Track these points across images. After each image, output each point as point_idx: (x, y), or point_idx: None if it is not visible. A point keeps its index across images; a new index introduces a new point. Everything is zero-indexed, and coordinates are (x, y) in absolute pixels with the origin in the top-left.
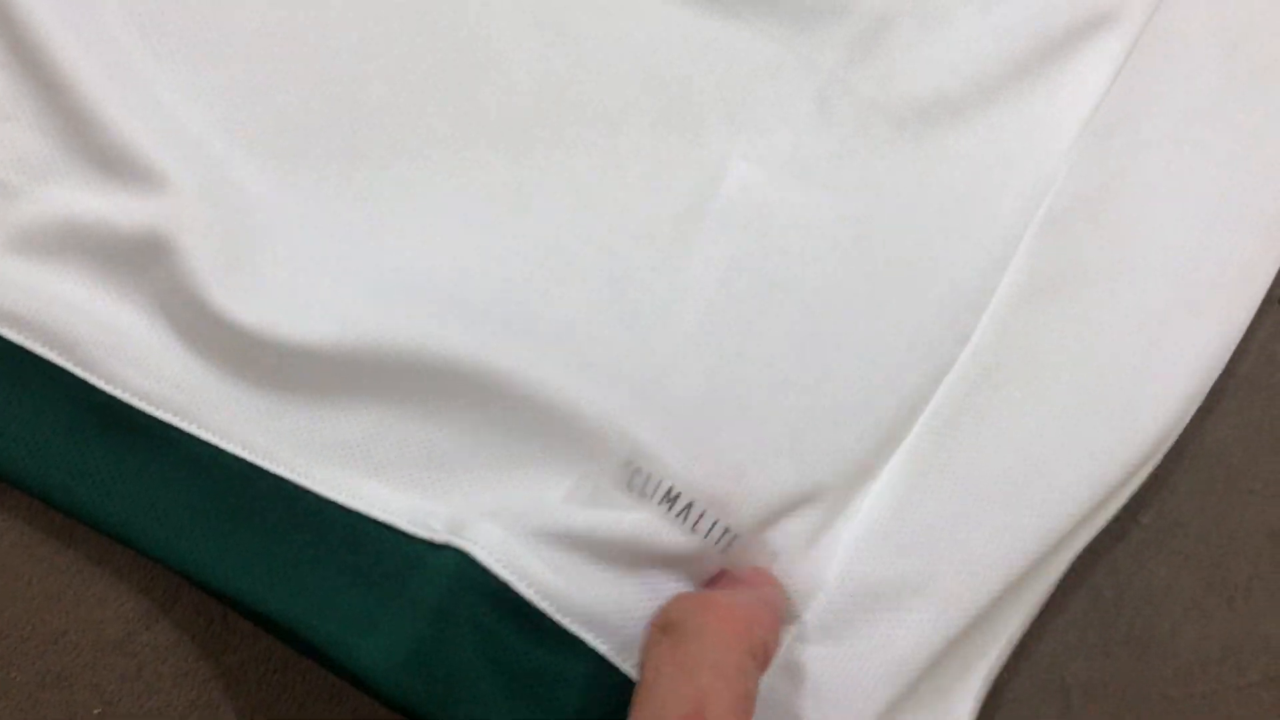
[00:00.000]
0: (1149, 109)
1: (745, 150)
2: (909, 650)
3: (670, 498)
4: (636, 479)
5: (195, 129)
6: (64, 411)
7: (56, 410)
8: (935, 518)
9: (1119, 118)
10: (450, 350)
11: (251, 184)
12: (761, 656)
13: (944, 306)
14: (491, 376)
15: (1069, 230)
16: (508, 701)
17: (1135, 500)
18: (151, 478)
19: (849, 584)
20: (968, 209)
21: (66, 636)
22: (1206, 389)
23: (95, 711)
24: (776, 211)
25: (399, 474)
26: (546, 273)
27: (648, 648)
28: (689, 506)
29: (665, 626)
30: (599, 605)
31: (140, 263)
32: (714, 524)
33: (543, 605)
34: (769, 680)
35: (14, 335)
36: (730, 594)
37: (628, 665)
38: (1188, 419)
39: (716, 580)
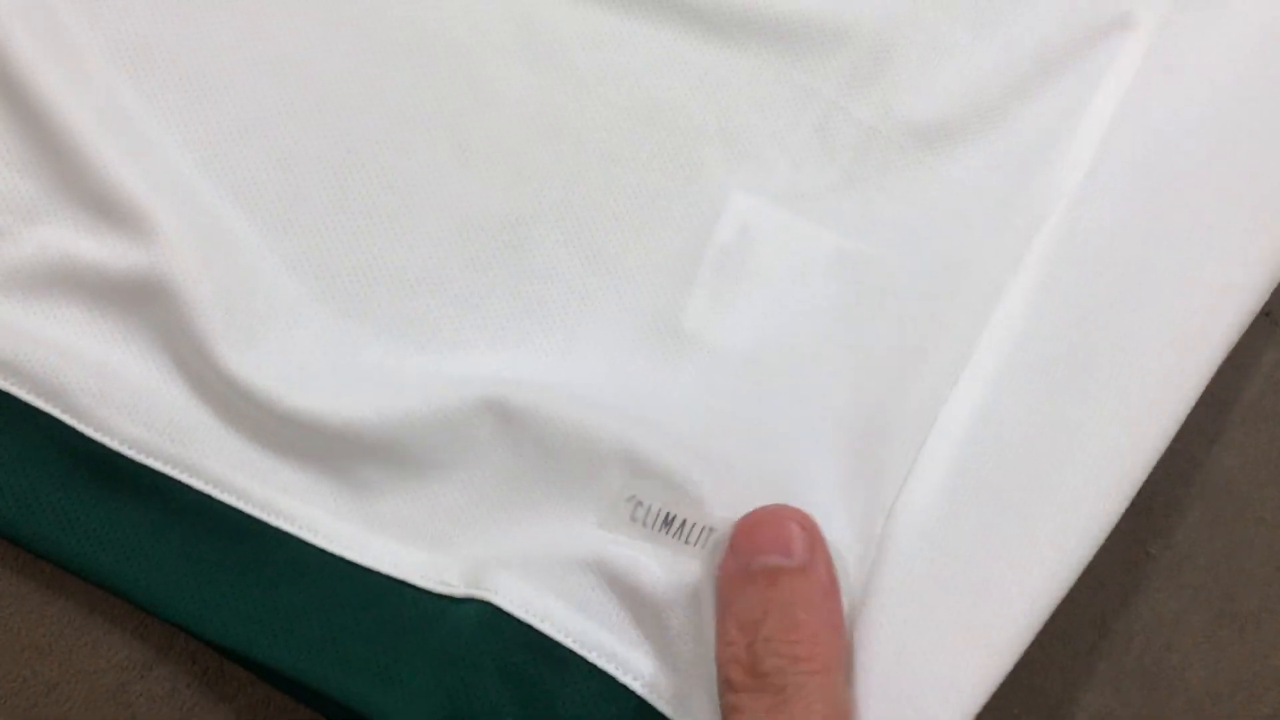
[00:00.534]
0: (1150, 133)
1: (744, 181)
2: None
3: (668, 521)
4: (639, 512)
5: (185, 169)
6: (53, 460)
7: (45, 459)
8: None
9: (1120, 142)
10: (451, 398)
11: (242, 226)
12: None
13: (944, 331)
14: (495, 423)
15: (1070, 257)
16: None
17: (1144, 531)
18: (144, 528)
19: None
20: (968, 238)
21: (59, 688)
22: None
23: None
24: (774, 244)
25: (407, 529)
26: (542, 308)
27: (736, 705)
28: (683, 524)
29: (758, 677)
30: (623, 638)
31: (131, 307)
32: (696, 529)
33: (569, 643)
34: None
35: (1, 382)
36: (814, 632)
37: (661, 703)
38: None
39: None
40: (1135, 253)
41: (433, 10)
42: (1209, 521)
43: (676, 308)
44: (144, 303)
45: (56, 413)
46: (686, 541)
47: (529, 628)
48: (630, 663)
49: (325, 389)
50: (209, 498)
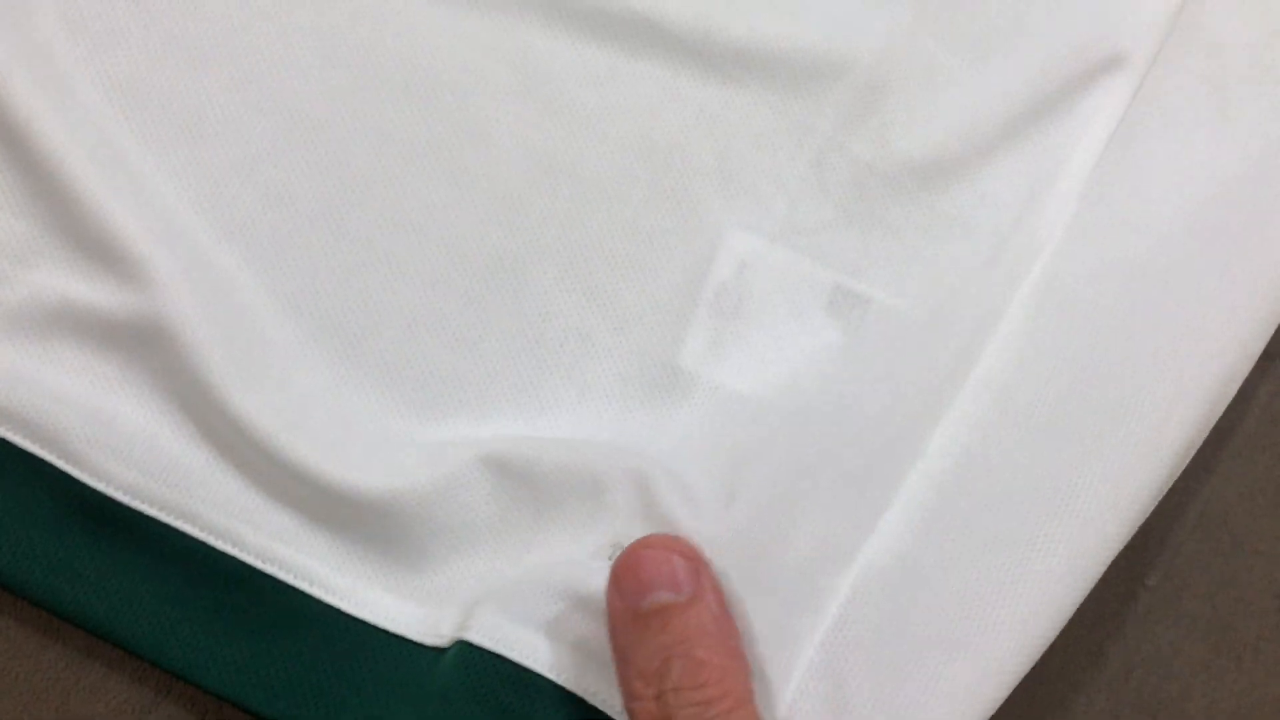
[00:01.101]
0: (1144, 166)
1: (741, 218)
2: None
3: None
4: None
5: (180, 209)
6: (47, 506)
7: (40, 505)
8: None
9: (1115, 176)
10: (449, 456)
11: (238, 267)
12: None
13: (936, 365)
14: (493, 477)
15: (1064, 293)
16: None
17: (1141, 563)
18: (139, 575)
19: None
20: (959, 278)
21: None
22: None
23: None
24: (771, 282)
25: (402, 582)
26: (540, 347)
27: None
28: None
29: None
30: (596, 662)
31: (127, 350)
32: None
33: (540, 669)
34: None
35: None
36: (719, 668)
37: None
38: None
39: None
40: (1121, 302)
41: (428, 48)
42: (1206, 552)
43: (674, 346)
44: (140, 346)
45: (51, 458)
46: None
47: (500, 659)
48: (602, 689)
49: (323, 438)
50: (205, 545)
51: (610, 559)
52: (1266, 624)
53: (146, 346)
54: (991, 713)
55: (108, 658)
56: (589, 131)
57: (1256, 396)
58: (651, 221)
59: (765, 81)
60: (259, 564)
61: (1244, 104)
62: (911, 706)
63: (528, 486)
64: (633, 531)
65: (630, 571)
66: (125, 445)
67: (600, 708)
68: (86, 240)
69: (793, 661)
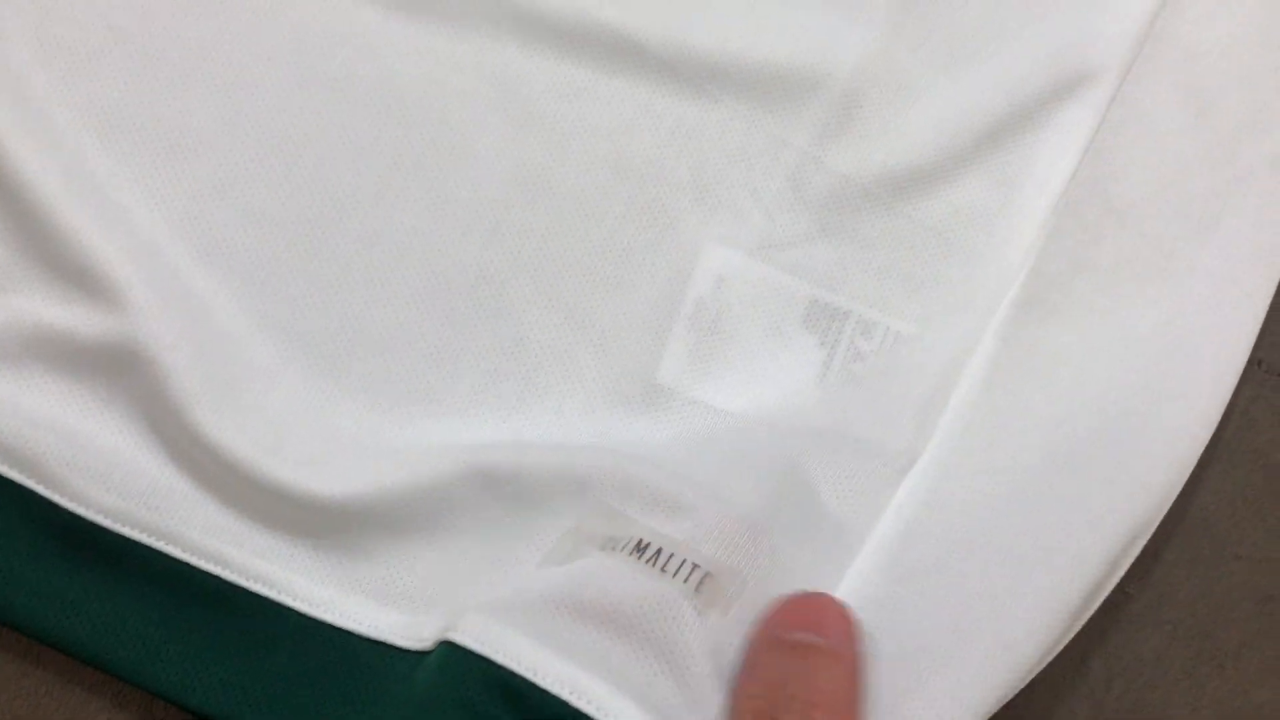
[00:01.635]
0: (1120, 176)
1: (718, 232)
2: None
3: (640, 548)
4: (608, 544)
5: (156, 232)
6: (26, 531)
7: (18, 530)
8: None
9: (1091, 187)
10: (429, 466)
11: (215, 288)
12: None
13: (911, 385)
14: (475, 484)
15: (1041, 305)
16: None
17: None
18: (121, 598)
19: None
20: (938, 294)
21: None
22: (1192, 463)
23: None
24: (749, 296)
25: (386, 591)
26: (519, 365)
27: None
28: (658, 552)
29: None
30: (580, 664)
31: (104, 374)
32: (683, 563)
33: (524, 672)
34: None
35: None
36: (834, 701)
37: None
38: (1175, 492)
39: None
40: (1107, 299)
41: (406, 67)
42: (1188, 560)
43: (653, 362)
44: (117, 370)
45: (30, 483)
46: (663, 570)
47: (486, 660)
48: (589, 689)
49: (303, 457)
50: (187, 565)
51: (601, 546)
52: (1249, 630)
53: (123, 371)
54: None
55: (88, 682)
56: (566, 148)
57: (1236, 402)
58: (629, 237)
59: (740, 96)
60: (243, 582)
61: (1221, 107)
62: None
63: (511, 489)
64: (619, 532)
65: (785, 610)
66: (104, 468)
67: (586, 710)
68: (62, 265)
69: None
